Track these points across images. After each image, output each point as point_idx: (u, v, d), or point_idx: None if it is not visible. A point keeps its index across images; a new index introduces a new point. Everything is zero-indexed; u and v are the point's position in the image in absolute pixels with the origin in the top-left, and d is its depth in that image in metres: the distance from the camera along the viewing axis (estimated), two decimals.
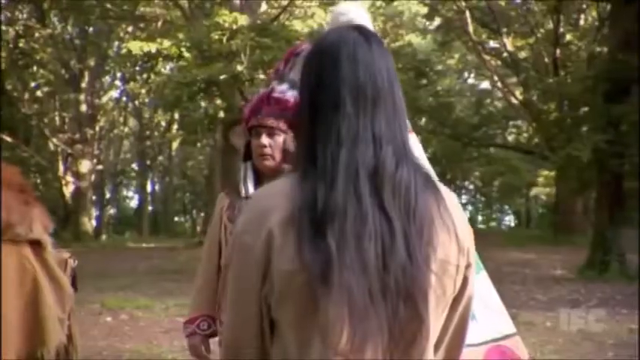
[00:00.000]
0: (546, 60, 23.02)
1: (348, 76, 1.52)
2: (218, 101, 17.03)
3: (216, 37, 14.55)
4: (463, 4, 21.72)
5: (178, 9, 21.11)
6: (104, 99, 31.38)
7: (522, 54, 25.84)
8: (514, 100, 23.83)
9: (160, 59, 15.85)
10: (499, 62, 26.08)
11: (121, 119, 35.32)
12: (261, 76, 16.49)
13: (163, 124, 34.38)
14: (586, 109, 17.31)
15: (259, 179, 3.23)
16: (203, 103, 17.63)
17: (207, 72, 14.06)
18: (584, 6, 24.01)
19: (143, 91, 23.26)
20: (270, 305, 1.47)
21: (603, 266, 14.14)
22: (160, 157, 39.50)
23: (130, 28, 26.17)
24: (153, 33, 21.06)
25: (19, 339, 1.54)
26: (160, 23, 20.66)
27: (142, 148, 36.73)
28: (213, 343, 3.26)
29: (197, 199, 43.67)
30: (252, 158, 3.22)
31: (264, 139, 3.14)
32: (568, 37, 24.64)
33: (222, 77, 14.18)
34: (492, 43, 26.38)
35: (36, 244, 1.65)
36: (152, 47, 14.94)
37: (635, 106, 13.86)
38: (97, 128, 30.27)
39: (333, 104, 1.51)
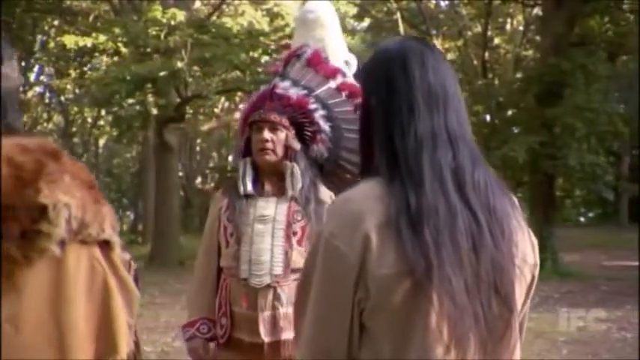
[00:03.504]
0: (475, 62, 23.47)
1: (418, 80, 1.57)
2: (150, 98, 16.76)
3: (154, 32, 14.31)
4: (394, 5, 21.94)
5: (107, 3, 20.64)
6: (29, 94, 30.42)
7: (451, 56, 26.29)
8: None
9: (96, 54, 15.49)
10: None
11: (45, 115, 34.34)
12: (197, 74, 16.34)
13: (90, 120, 33.59)
14: (513, 111, 17.75)
15: (258, 176, 3.19)
16: (131, 100, 17.31)
17: (146, 68, 13.81)
18: (511, 10, 24.59)
19: (69, 86, 22.59)
20: (363, 311, 1.47)
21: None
22: (86, 155, 38.56)
23: (56, 22, 25.39)
24: (80, 27, 20.50)
25: (89, 345, 1.48)
26: (91, 17, 20.14)
27: (69, 145, 35.79)
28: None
29: (123, 197, 42.89)
30: (252, 154, 3.18)
31: (267, 134, 3.11)
32: (496, 40, 25.22)
33: (161, 74, 13.95)
34: None
35: (104, 245, 1.57)
36: (88, 42, 14.60)
37: (568, 109, 14.28)
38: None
39: (407, 107, 1.56)
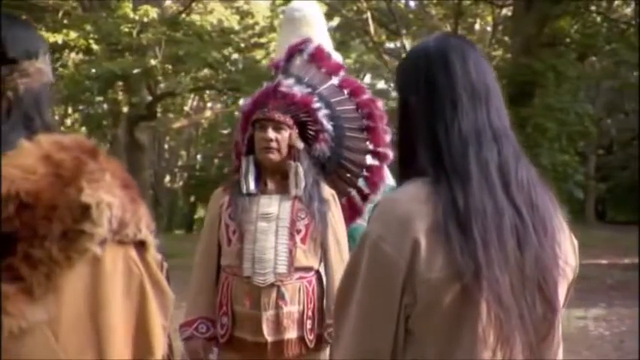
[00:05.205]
0: None
1: (461, 76, 1.55)
2: (120, 96, 16.56)
3: (126, 30, 14.14)
4: (364, 4, 21.98)
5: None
6: None
7: None
8: None
9: (67, 51, 15.26)
10: (397, 63, 26.51)
11: None
12: (170, 71, 16.20)
13: (57, 118, 33.19)
14: None
15: (260, 174, 3.16)
16: (100, 98, 17.11)
17: (119, 66, 13.65)
18: (480, 10, 24.76)
19: None
20: (409, 316, 1.45)
21: None
22: None
23: (23, 18, 24.96)
24: (49, 24, 20.21)
25: (126, 347, 1.45)
26: (60, 14, 19.83)
27: None
28: None
29: None
30: (255, 152, 3.14)
31: (271, 133, 3.08)
32: None
33: (135, 71, 13.81)
34: (390, 44, 26.83)
35: (139, 245, 1.53)
36: (58, 38, 14.39)
37: (539, 109, 14.43)
38: None
39: (450, 104, 1.53)
